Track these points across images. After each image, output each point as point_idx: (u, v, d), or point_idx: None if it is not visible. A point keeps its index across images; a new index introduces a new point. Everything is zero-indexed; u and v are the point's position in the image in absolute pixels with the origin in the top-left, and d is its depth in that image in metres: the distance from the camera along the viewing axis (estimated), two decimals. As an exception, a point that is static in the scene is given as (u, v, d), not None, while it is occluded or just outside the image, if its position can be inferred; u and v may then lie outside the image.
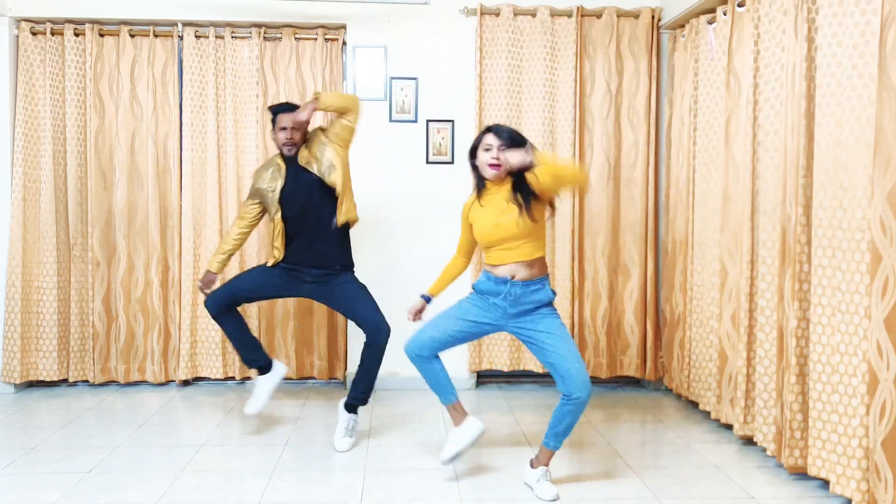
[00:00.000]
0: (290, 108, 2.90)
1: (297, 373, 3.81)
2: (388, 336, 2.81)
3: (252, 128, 3.71)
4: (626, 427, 3.18)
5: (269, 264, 2.93)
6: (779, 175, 2.61)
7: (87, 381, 3.77)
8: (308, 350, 3.84)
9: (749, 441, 2.92)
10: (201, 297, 3.71)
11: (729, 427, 3.11)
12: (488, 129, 2.35)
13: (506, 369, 3.79)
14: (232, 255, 3.05)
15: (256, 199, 2.98)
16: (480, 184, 2.41)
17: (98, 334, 3.70)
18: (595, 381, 3.89)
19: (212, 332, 3.75)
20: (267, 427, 3.11)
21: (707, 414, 3.31)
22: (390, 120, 3.75)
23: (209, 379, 3.85)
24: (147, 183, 3.70)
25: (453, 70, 3.72)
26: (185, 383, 3.83)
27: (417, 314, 2.58)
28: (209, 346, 3.76)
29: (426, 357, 2.46)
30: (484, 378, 3.94)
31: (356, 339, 3.68)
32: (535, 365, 3.75)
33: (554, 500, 2.30)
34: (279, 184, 2.88)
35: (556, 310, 2.40)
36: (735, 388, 2.98)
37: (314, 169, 2.85)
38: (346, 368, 3.82)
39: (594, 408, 3.49)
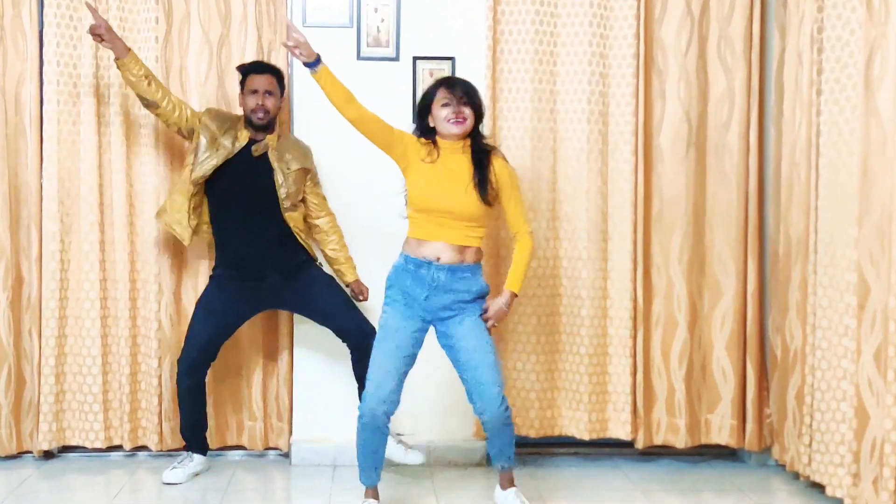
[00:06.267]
0: (263, 67, 3.52)
1: (216, 440, 3.80)
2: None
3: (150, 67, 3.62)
4: (716, 522, 3.15)
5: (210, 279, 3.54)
6: (949, 140, 2.63)
7: None
8: (234, 406, 3.84)
9: (903, 543, 2.93)
10: (70, 327, 3.73)
11: (872, 521, 3.11)
12: (440, 84, 3.00)
13: (532, 434, 3.79)
14: (144, 77, 3.43)
15: (189, 126, 3.49)
16: (430, 136, 3.02)
17: (-88, 381, 3.69)
18: (669, 451, 3.90)
19: (87, 376, 3.71)
20: (170, 523, 3.11)
21: (839, 502, 3.28)
22: (359, 57, 3.74)
23: (84, 449, 3.80)
24: (-11, 151, 3.71)
25: (453, -17, 3.76)
26: (48, 455, 3.80)
27: None
28: (84, 398, 3.72)
29: (387, 424, 2.98)
30: (500, 447, 3.90)
31: (308, 388, 3.79)
32: (576, 428, 3.78)
33: None
34: (228, 152, 3.44)
35: (483, 309, 3.03)
36: (881, 463, 2.95)
37: (276, 166, 3.46)
38: (291, 433, 3.82)
39: (668, 492, 3.49)
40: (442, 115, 2.94)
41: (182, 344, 3.58)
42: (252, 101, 3.43)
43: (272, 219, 3.48)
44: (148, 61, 3.67)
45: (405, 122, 3.65)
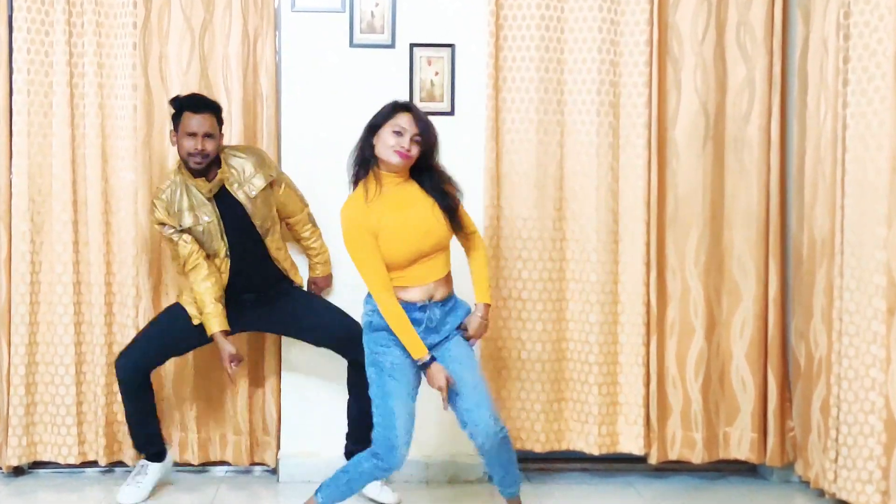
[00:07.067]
0: (202, 105, 3.33)
1: (198, 456, 3.81)
2: None
3: (127, 56, 3.70)
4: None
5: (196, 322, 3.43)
6: None
7: None
8: (217, 420, 3.83)
9: (938, 567, 2.91)
10: (41, 334, 3.74)
11: (904, 544, 3.11)
12: (403, 107, 2.91)
13: (538, 449, 3.79)
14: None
15: (178, 230, 3.38)
16: (362, 173, 2.93)
17: None
18: (685, 467, 3.90)
19: (60, 387, 3.71)
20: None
21: (867, 522, 3.30)
22: (352, 44, 3.75)
23: (56, 465, 3.80)
24: (-48, 145, 3.69)
25: (453, -37, 3.76)
26: (18, 471, 3.81)
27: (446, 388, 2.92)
28: (56, 410, 3.72)
29: None
30: (503, 463, 3.90)
31: (297, 399, 3.78)
32: (584, 442, 3.78)
33: None
34: (211, 210, 3.36)
35: (462, 328, 3.03)
36: (914, 481, 2.98)
37: (240, 197, 3.39)
38: (278, 448, 3.82)
39: (683, 511, 3.47)
40: (389, 142, 2.85)
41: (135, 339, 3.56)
42: (189, 145, 3.27)
43: (252, 248, 3.43)
44: (125, 48, 3.68)
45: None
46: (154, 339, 3.47)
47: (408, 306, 2.89)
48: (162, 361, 3.56)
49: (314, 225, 3.65)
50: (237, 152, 3.45)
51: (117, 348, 3.72)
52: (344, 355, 3.49)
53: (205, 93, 3.69)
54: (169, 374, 3.77)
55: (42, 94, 3.67)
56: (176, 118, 3.33)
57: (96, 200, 3.69)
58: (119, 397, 3.72)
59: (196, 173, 3.34)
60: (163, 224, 3.37)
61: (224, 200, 3.37)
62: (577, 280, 3.76)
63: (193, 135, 3.27)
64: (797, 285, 3.72)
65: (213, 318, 3.33)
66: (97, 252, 3.69)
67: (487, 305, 3.05)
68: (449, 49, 3.73)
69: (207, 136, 3.28)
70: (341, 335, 3.44)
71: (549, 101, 3.71)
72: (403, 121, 2.86)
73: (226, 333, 3.35)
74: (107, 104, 3.71)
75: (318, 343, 3.54)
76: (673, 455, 3.80)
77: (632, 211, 3.72)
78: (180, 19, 3.70)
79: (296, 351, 3.72)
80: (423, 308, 2.91)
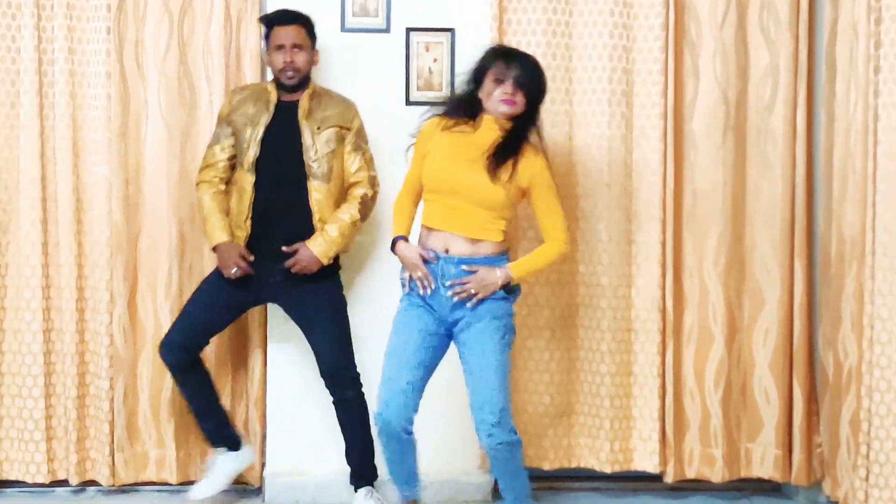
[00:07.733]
0: (289, 17, 3.44)
1: (177, 474, 3.78)
2: (357, 385, 3.48)
3: (100, 41, 3.68)
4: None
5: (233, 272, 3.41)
6: None
7: None
8: (196, 436, 3.78)
9: None
10: (7, 342, 3.72)
11: (945, 570, 3.09)
12: (498, 56, 2.99)
13: (546, 467, 3.78)
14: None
15: (230, 134, 3.46)
16: (464, 112, 3.03)
17: None
18: (704, 486, 3.88)
19: (28, 399, 3.69)
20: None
21: (903, 546, 3.30)
22: (343, 28, 3.75)
23: (24, 484, 3.78)
24: None
25: (453, -59, 3.78)
26: None
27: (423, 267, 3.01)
28: (24, 425, 3.70)
29: (410, 429, 2.99)
30: (507, 480, 3.88)
31: (284, 413, 3.75)
32: (596, 460, 3.76)
33: None
34: (264, 120, 3.42)
35: (506, 316, 3.03)
36: (956, 502, 2.96)
37: (304, 129, 3.43)
38: (263, 466, 3.82)
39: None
40: (494, 94, 2.96)
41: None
42: (279, 59, 3.40)
43: (294, 192, 3.42)
44: (98, 33, 3.68)
45: (397, 103, 3.77)
46: (191, 315, 3.48)
47: (426, 253, 3.03)
48: (206, 339, 3.53)
49: (351, 209, 3.44)
50: (330, 92, 3.54)
51: (90, 357, 3.72)
52: (330, 392, 3.48)
53: (183, 81, 3.71)
54: (144, 387, 3.76)
55: (9, 82, 3.66)
56: (267, 36, 3.47)
57: (67, 197, 3.67)
58: (91, 411, 3.72)
59: (288, 90, 3.44)
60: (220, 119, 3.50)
61: (287, 124, 3.42)
62: (588, 284, 3.75)
63: (282, 48, 3.39)
64: (825, 289, 3.69)
65: (218, 230, 3.41)
66: (68, 253, 3.68)
67: (509, 276, 3.00)
68: (448, 34, 3.73)
69: (296, 47, 3.39)
70: (325, 368, 3.45)
71: (556, 91, 3.66)
72: (504, 68, 2.96)
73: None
74: (78, 93, 3.70)
75: (314, 351, 3.50)
76: (691, 473, 3.77)
77: (646, 208, 3.70)
78: (158, 2, 3.68)
79: (283, 359, 3.70)
80: (435, 257, 2.99)
